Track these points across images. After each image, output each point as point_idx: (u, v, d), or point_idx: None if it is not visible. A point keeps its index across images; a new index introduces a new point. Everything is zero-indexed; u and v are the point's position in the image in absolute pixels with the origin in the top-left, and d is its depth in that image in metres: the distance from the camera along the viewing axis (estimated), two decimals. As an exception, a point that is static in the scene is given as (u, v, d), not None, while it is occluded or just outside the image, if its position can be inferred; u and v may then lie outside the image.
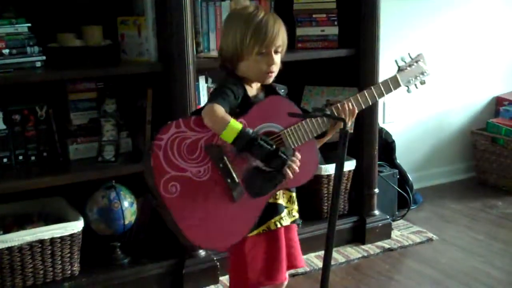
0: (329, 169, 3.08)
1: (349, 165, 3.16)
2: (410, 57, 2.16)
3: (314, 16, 3.10)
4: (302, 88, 3.29)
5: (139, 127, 2.80)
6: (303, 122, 1.92)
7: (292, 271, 2.88)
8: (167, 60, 2.63)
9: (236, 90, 1.84)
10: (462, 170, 4.28)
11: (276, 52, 1.90)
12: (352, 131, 3.14)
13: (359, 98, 2.01)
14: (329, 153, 3.17)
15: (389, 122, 3.85)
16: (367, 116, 3.16)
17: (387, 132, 3.66)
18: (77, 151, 2.73)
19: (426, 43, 3.89)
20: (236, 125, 1.75)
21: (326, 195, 3.16)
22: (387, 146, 3.62)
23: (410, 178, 3.66)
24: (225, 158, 1.80)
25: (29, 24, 2.54)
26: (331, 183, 3.07)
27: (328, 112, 1.94)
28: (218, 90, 1.84)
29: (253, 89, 1.94)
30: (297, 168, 1.82)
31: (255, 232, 1.91)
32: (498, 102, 4.29)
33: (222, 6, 2.94)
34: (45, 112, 2.70)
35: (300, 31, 3.12)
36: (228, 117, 1.75)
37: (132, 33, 2.73)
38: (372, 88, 2.03)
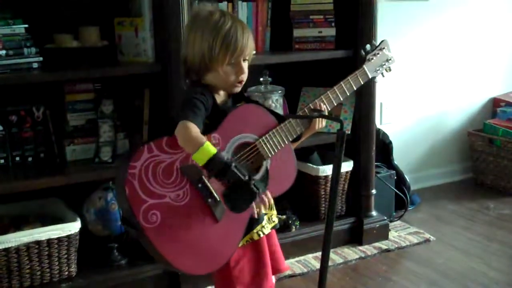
0: (327, 170, 3.08)
1: (347, 166, 3.16)
2: (374, 45, 2.13)
3: (311, 17, 3.10)
4: (299, 90, 3.29)
5: (136, 128, 2.80)
6: (278, 128, 1.87)
7: (289, 272, 2.88)
8: (164, 61, 2.63)
9: (206, 101, 1.75)
10: (459, 171, 4.28)
11: (244, 60, 1.83)
12: (349, 132, 3.15)
13: (330, 95, 1.99)
14: (327, 154, 3.19)
15: (386, 123, 3.86)
16: (364, 117, 3.16)
17: (384, 133, 3.66)
18: (74, 152, 2.73)
19: (423, 44, 3.91)
20: (210, 149, 1.65)
21: (323, 196, 3.16)
22: (384, 147, 3.62)
23: (407, 179, 3.66)
24: (203, 177, 1.72)
25: (26, 25, 2.54)
26: (329, 184, 3.07)
27: (325, 112, 1.94)
28: (188, 103, 1.73)
29: (220, 96, 1.87)
30: (263, 207, 1.78)
31: (240, 244, 1.86)
32: (495, 103, 4.29)
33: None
34: (42, 113, 2.69)
35: (297, 32, 3.12)
36: (202, 138, 1.66)
37: (129, 34, 2.73)
38: (342, 84, 2.00)
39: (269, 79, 2.93)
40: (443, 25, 3.99)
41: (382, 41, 2.14)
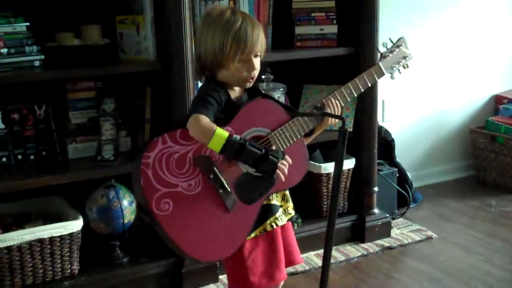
0: (329, 167, 3.08)
1: (349, 163, 3.16)
2: (392, 42, 2.12)
3: (313, 14, 3.10)
4: (301, 87, 3.28)
5: (138, 126, 2.80)
6: (291, 122, 1.90)
7: (291, 269, 2.88)
8: (166, 59, 2.63)
9: (219, 96, 1.80)
10: (462, 168, 4.28)
11: (256, 56, 1.87)
12: (351, 129, 3.15)
13: (343, 91, 1.99)
14: (329, 151, 3.19)
15: (388, 121, 3.85)
16: (367, 114, 3.16)
17: (386, 131, 3.66)
18: (76, 150, 2.73)
19: (425, 41, 3.90)
20: (222, 133, 1.70)
21: (325, 193, 3.16)
22: (387, 144, 3.62)
23: (410, 177, 3.66)
24: (215, 168, 1.77)
25: (28, 23, 2.54)
26: (331, 182, 3.07)
27: (327, 110, 1.93)
28: (200, 99, 1.80)
29: (235, 92, 1.91)
30: (286, 169, 1.78)
31: (252, 235, 1.89)
32: (497, 100, 4.29)
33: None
34: (44, 112, 2.69)
35: (299, 30, 3.12)
36: (214, 125, 1.71)
37: (131, 32, 2.73)
38: (356, 80, 2.00)
39: (271, 76, 2.93)
40: (445, 23, 3.98)
41: (400, 38, 2.14)
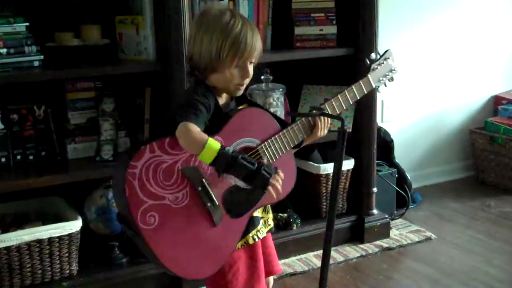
0: (328, 168, 3.08)
1: (348, 164, 3.16)
2: (379, 54, 2.11)
3: (312, 15, 3.10)
4: (300, 87, 3.28)
5: (138, 126, 2.80)
6: (281, 133, 1.86)
7: (290, 270, 2.89)
8: (165, 59, 2.63)
9: (208, 103, 1.72)
10: (461, 169, 4.28)
11: (250, 62, 1.80)
12: (350, 130, 3.15)
13: (333, 103, 1.96)
14: (328, 152, 3.19)
15: (387, 121, 3.85)
16: (366, 115, 3.16)
17: (385, 131, 3.66)
18: (76, 151, 2.73)
19: (424, 41, 3.90)
20: (214, 145, 1.62)
21: (324, 194, 3.16)
22: (386, 145, 3.62)
23: (409, 177, 3.66)
24: (204, 180, 1.70)
25: (27, 23, 2.54)
26: (330, 182, 3.07)
27: (326, 111, 1.93)
28: (190, 105, 1.69)
29: (223, 98, 1.84)
30: (279, 186, 1.71)
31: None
32: (496, 101, 4.29)
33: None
34: (43, 112, 2.69)
35: (298, 30, 3.12)
36: (205, 136, 1.62)
37: (130, 32, 2.73)
38: (346, 92, 1.98)
39: (270, 77, 2.93)
40: (445, 23, 3.98)
41: (387, 50, 2.11)
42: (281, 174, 1.75)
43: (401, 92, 3.89)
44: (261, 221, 1.92)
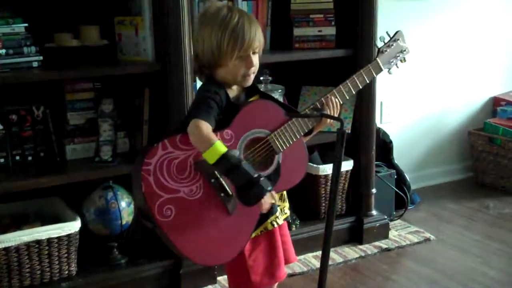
0: (327, 169, 3.08)
1: (347, 165, 3.16)
2: (389, 35, 2.11)
3: (311, 16, 3.10)
4: (299, 88, 3.29)
5: (137, 127, 2.79)
6: (290, 122, 1.90)
7: (289, 271, 2.88)
8: (164, 60, 2.63)
9: (219, 99, 1.79)
10: (460, 170, 4.28)
11: (254, 53, 1.85)
12: (349, 131, 3.15)
13: (342, 89, 1.98)
14: (327, 153, 3.19)
15: (386, 122, 3.86)
16: (365, 116, 3.16)
17: (384, 133, 3.66)
18: (74, 151, 2.73)
19: (424, 43, 3.90)
20: (220, 148, 1.68)
21: (323, 195, 3.16)
22: (385, 146, 3.62)
23: (408, 178, 3.66)
24: (216, 172, 1.76)
25: (26, 24, 2.54)
26: (329, 183, 3.06)
27: (324, 111, 1.93)
28: (202, 101, 1.78)
29: (234, 91, 1.90)
30: (267, 206, 1.77)
31: (253, 234, 1.90)
32: (495, 102, 4.29)
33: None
34: (42, 112, 2.69)
35: (297, 31, 3.12)
36: (213, 137, 1.69)
37: (129, 33, 2.73)
38: (355, 77, 2.00)
39: (269, 78, 2.93)
40: (444, 24, 3.98)
41: (397, 32, 2.13)
42: (275, 195, 1.80)
43: (400, 93, 3.89)
44: (278, 208, 1.97)
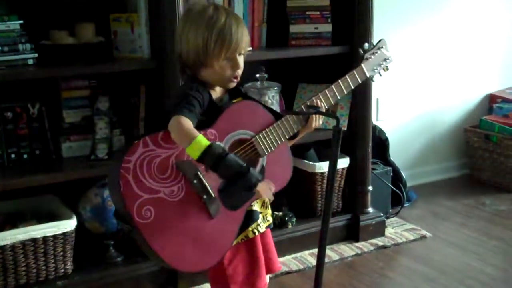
0: (323, 166, 3.08)
1: (343, 162, 3.16)
2: (373, 44, 2.12)
3: (307, 13, 3.10)
4: (295, 86, 3.28)
5: (133, 124, 2.79)
6: (275, 125, 1.87)
7: (286, 268, 2.89)
8: (160, 57, 2.62)
9: (201, 98, 1.73)
10: (456, 167, 4.28)
11: (240, 54, 1.81)
12: (345, 128, 3.15)
13: (327, 93, 1.97)
14: (323, 150, 3.19)
15: (382, 120, 3.86)
16: (361, 113, 3.16)
17: (380, 130, 3.66)
18: (70, 149, 2.72)
19: (419, 40, 3.90)
20: (203, 141, 1.62)
21: (320, 192, 3.16)
22: (381, 143, 3.62)
23: (404, 176, 3.66)
24: (199, 173, 1.70)
25: (21, 21, 2.53)
26: (325, 181, 3.07)
27: (321, 109, 1.93)
28: (183, 100, 1.71)
29: (217, 92, 1.85)
30: (269, 192, 1.75)
31: (234, 242, 1.84)
32: (491, 100, 4.29)
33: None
34: (38, 110, 2.68)
35: (293, 28, 3.11)
36: (195, 132, 1.63)
37: (125, 30, 2.72)
38: (340, 82, 1.99)
39: (265, 75, 2.92)
40: (440, 21, 3.98)
41: (380, 40, 2.13)
42: (271, 183, 1.78)
43: (396, 90, 3.89)
44: (260, 216, 1.93)
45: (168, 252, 1.69)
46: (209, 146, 1.62)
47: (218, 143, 1.70)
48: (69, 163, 2.68)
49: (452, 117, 4.23)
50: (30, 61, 2.53)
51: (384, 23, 3.53)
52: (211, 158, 1.63)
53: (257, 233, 1.90)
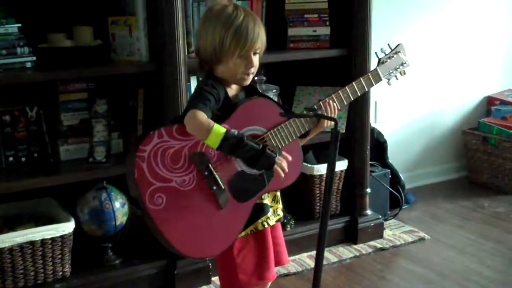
0: (321, 169, 3.08)
1: (341, 165, 3.16)
2: (390, 48, 2.14)
3: (306, 16, 3.10)
4: (294, 88, 3.28)
5: (131, 127, 2.79)
6: (287, 123, 1.91)
7: (284, 270, 2.88)
8: (158, 60, 2.62)
9: (217, 93, 1.81)
10: (454, 169, 4.29)
11: (255, 53, 1.87)
12: (344, 131, 3.15)
13: (341, 94, 2.00)
14: (321, 153, 3.19)
15: (381, 122, 3.86)
16: (359, 116, 3.16)
17: (379, 132, 3.66)
18: (68, 152, 2.72)
19: (418, 42, 3.91)
20: (220, 129, 1.71)
21: (318, 195, 3.16)
22: (379, 146, 3.63)
23: (402, 178, 3.66)
24: (210, 165, 1.78)
25: (19, 25, 2.53)
26: (323, 183, 3.06)
27: (319, 112, 1.94)
28: (199, 95, 1.80)
29: (232, 89, 1.91)
30: (286, 166, 1.79)
31: (243, 233, 1.90)
32: (489, 102, 4.30)
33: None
34: (36, 113, 2.68)
35: (292, 31, 3.12)
36: (211, 122, 1.71)
37: (123, 33, 2.72)
38: (354, 84, 2.02)
39: (264, 78, 2.93)
40: (438, 24, 3.99)
41: (398, 44, 2.16)
42: (287, 155, 1.83)
43: (394, 93, 3.89)
44: (271, 210, 1.97)
45: (177, 237, 1.76)
46: (226, 133, 1.71)
47: (232, 130, 1.76)
48: (67, 166, 2.68)
49: (450, 119, 4.24)
50: (28, 64, 2.53)
51: (382, 26, 3.54)
52: (230, 145, 1.71)
53: (266, 226, 1.94)
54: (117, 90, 2.85)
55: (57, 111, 2.72)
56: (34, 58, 2.54)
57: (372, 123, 3.55)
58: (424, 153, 4.16)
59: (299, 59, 3.12)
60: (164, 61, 2.59)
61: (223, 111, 1.83)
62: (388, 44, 2.15)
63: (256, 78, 2.87)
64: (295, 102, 3.25)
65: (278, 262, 2.05)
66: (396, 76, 2.15)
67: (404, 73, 2.17)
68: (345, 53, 3.10)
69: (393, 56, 2.12)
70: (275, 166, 1.77)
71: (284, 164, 1.79)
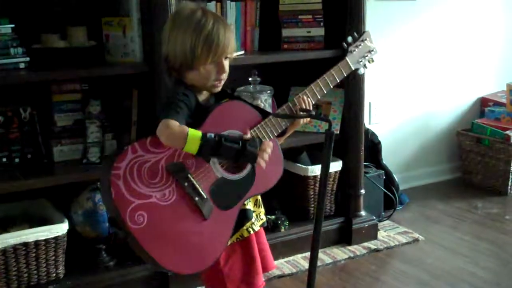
0: (316, 170, 3.08)
1: (335, 166, 3.16)
2: (356, 36, 2.14)
3: (300, 17, 3.10)
4: (288, 89, 3.28)
5: (125, 128, 2.78)
6: (263, 123, 1.88)
7: (278, 272, 2.88)
8: (152, 61, 2.62)
9: (189, 101, 1.75)
10: (448, 170, 4.29)
11: (225, 58, 1.83)
12: (338, 132, 3.15)
13: (313, 88, 1.99)
14: (316, 154, 3.19)
15: (375, 123, 3.86)
16: (353, 117, 3.16)
17: (373, 133, 3.66)
18: (62, 153, 2.71)
19: (412, 44, 3.92)
20: (195, 133, 1.65)
21: (312, 196, 3.16)
22: (373, 147, 3.63)
23: (396, 179, 3.67)
24: (189, 175, 1.73)
25: (13, 25, 2.52)
26: (318, 184, 3.07)
27: (313, 113, 1.94)
28: (170, 103, 1.73)
29: (203, 95, 1.87)
30: (267, 156, 1.76)
31: (229, 242, 1.85)
32: (483, 103, 4.31)
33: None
34: (29, 114, 2.67)
35: (286, 32, 3.12)
36: (185, 128, 1.66)
37: (117, 34, 2.71)
38: (325, 76, 2.01)
39: (258, 79, 2.92)
40: (432, 25, 4.00)
41: (364, 32, 2.17)
42: (269, 143, 1.80)
43: (388, 94, 3.90)
44: (253, 215, 1.94)
45: (163, 255, 1.70)
46: (203, 136, 1.66)
47: (208, 133, 1.71)
48: (60, 167, 2.67)
49: (444, 121, 4.25)
50: (22, 65, 2.52)
51: (376, 27, 3.54)
52: (210, 147, 1.66)
53: (252, 232, 1.91)
54: (111, 91, 2.84)
55: (50, 112, 2.71)
56: (28, 58, 2.53)
57: (366, 124, 3.56)
58: (418, 154, 4.17)
59: (293, 60, 3.12)
60: (158, 62, 2.58)
61: (195, 118, 1.77)
62: (354, 33, 2.15)
63: (250, 78, 2.89)
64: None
65: (264, 268, 2.01)
66: (365, 65, 2.14)
67: (372, 61, 2.16)
68: (339, 54, 3.08)
69: (360, 45, 2.12)
70: (258, 159, 1.73)
71: (266, 154, 1.76)
